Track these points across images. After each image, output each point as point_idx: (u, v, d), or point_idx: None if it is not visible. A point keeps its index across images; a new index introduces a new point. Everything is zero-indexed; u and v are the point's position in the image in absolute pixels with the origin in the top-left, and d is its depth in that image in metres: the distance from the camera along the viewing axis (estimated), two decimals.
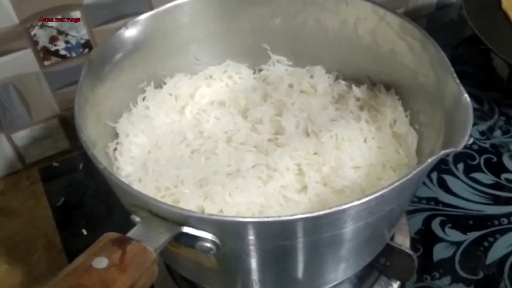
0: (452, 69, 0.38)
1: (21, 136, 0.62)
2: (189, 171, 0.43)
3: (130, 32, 0.47)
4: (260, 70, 0.55)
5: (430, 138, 0.41)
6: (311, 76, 0.52)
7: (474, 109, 0.62)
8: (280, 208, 0.41)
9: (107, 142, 0.45)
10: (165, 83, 0.51)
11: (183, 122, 0.49)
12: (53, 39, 0.57)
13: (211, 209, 0.40)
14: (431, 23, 0.82)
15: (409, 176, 0.31)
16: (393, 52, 0.46)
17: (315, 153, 0.44)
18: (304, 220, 0.31)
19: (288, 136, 0.46)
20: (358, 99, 0.49)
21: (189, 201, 0.40)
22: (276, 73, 0.53)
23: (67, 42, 0.58)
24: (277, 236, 0.33)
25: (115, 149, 0.45)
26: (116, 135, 0.46)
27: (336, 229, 0.34)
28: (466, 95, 0.36)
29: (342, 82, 0.51)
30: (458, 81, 0.37)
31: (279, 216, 0.30)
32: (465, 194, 0.54)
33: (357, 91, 0.49)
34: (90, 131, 0.40)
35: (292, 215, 0.30)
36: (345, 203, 0.31)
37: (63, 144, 0.65)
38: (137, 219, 0.33)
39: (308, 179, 0.42)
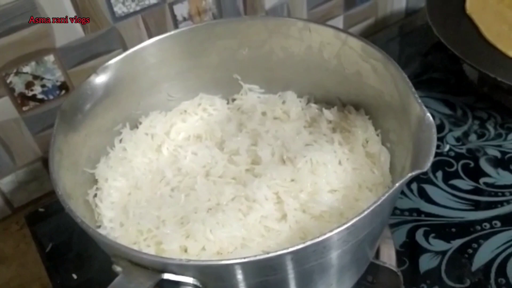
0: (413, 89, 0.39)
1: (6, 182, 0.63)
2: (169, 211, 0.43)
3: (101, 78, 0.47)
4: (233, 100, 0.56)
5: (401, 156, 0.42)
6: (283, 102, 0.53)
7: (448, 115, 0.64)
8: (262, 239, 0.41)
9: (87, 190, 0.45)
10: (140, 123, 0.52)
11: (161, 160, 0.49)
12: (29, 85, 0.58)
13: (194, 248, 0.40)
14: (401, 31, 0.83)
15: (378, 203, 0.32)
16: (359, 74, 0.47)
17: (292, 180, 0.45)
18: (283, 255, 0.32)
19: (264, 165, 0.46)
20: (330, 122, 0.50)
21: (171, 241, 0.41)
22: (249, 102, 0.54)
23: (43, 86, 0.59)
24: (257, 273, 0.34)
25: (95, 195, 0.45)
26: (95, 181, 0.47)
27: (319, 258, 0.35)
28: (428, 114, 0.37)
29: (314, 106, 0.52)
30: (420, 101, 0.38)
31: (255, 256, 0.31)
32: (446, 202, 0.55)
33: (328, 114, 0.50)
34: (67, 181, 0.41)
35: (265, 254, 0.31)
36: (324, 234, 0.32)
37: (49, 185, 0.65)
38: (118, 268, 0.34)
39: (287, 206, 0.43)
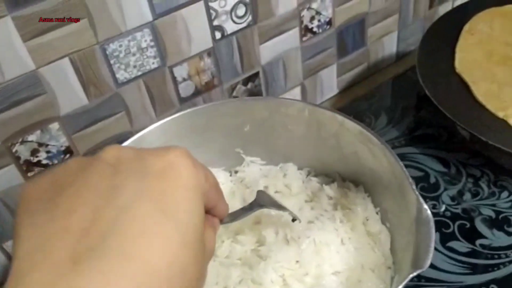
0: (411, 180, 0.41)
1: (11, 245, 0.64)
2: None
3: None
4: (236, 172, 0.58)
5: (402, 242, 0.43)
6: (284, 175, 0.55)
7: (443, 173, 0.66)
8: None
9: None
10: None
11: None
12: (34, 152, 0.59)
13: None
14: (395, 84, 0.85)
15: None
16: (356, 154, 0.49)
17: (297, 261, 0.47)
18: None
19: (269, 245, 0.48)
20: (330, 198, 0.52)
21: None
22: (251, 175, 0.56)
23: (48, 152, 0.60)
24: None
25: None
26: None
27: None
28: (426, 206, 0.39)
29: (314, 179, 0.54)
30: (417, 192, 0.40)
31: None
32: (444, 266, 0.56)
33: (328, 190, 0.52)
34: None
35: None
36: None
37: None
38: None
39: None
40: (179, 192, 0.27)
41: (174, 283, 0.24)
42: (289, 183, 0.54)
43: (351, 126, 0.48)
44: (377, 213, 0.49)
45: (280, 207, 0.46)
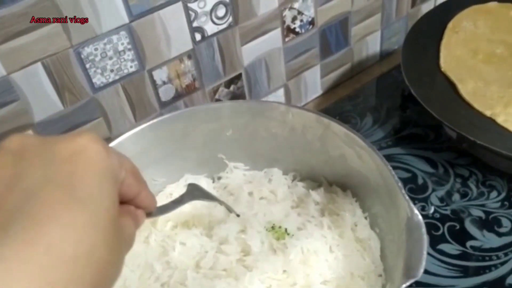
0: (400, 184, 0.40)
1: None
2: None
3: None
4: (219, 178, 0.56)
5: (393, 248, 0.42)
6: (269, 181, 0.53)
7: (430, 174, 0.65)
8: None
9: None
10: None
11: (149, 253, 0.48)
12: None
13: None
14: (379, 84, 0.85)
15: None
16: (343, 157, 0.48)
17: (284, 271, 0.45)
18: None
19: (255, 255, 0.46)
20: (317, 203, 0.50)
21: None
22: (235, 181, 0.54)
23: None
24: None
25: None
26: None
27: None
28: (416, 212, 0.38)
29: (300, 184, 0.52)
30: (407, 197, 0.39)
31: None
32: (436, 270, 0.55)
33: (315, 195, 0.50)
34: None
35: None
36: None
37: None
38: None
39: None
40: (89, 175, 0.26)
41: (80, 264, 0.24)
42: (274, 189, 0.52)
43: (337, 128, 0.46)
44: (365, 218, 0.47)
45: (213, 198, 0.46)
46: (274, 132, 0.51)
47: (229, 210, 0.47)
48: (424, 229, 0.37)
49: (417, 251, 0.35)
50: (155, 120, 0.50)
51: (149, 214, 0.36)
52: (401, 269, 0.36)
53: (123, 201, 0.32)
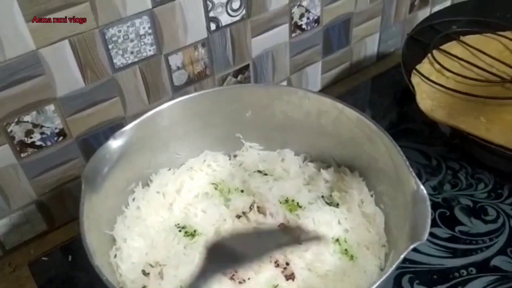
0: (407, 163, 0.45)
1: (0, 225, 0.64)
2: (186, 269, 0.47)
3: (117, 142, 0.50)
4: (235, 156, 0.60)
5: (397, 222, 0.47)
6: (282, 160, 0.58)
7: (424, 165, 0.71)
8: None
9: (108, 250, 0.48)
10: (151, 181, 0.55)
11: (173, 219, 0.53)
12: (28, 132, 0.59)
13: None
14: (375, 83, 0.89)
15: (389, 272, 0.37)
16: (354, 140, 0.52)
17: None
18: None
19: (270, 225, 0.50)
20: (327, 181, 0.55)
21: None
22: (249, 159, 0.58)
23: (42, 133, 0.60)
24: None
25: (115, 255, 0.48)
26: (114, 241, 0.49)
27: None
28: (422, 187, 0.42)
29: (311, 164, 0.57)
30: (414, 174, 0.43)
31: None
32: (427, 250, 0.60)
33: (325, 174, 0.55)
34: (94, 246, 0.43)
35: None
36: None
37: (40, 227, 0.67)
38: None
39: (294, 265, 0.47)
40: None
41: None
42: (287, 167, 0.57)
43: (350, 113, 0.51)
44: (371, 195, 0.52)
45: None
46: (290, 115, 0.56)
47: None
48: (428, 202, 0.42)
49: (422, 219, 0.40)
50: (185, 96, 0.54)
51: None
52: (405, 238, 0.40)
53: None
